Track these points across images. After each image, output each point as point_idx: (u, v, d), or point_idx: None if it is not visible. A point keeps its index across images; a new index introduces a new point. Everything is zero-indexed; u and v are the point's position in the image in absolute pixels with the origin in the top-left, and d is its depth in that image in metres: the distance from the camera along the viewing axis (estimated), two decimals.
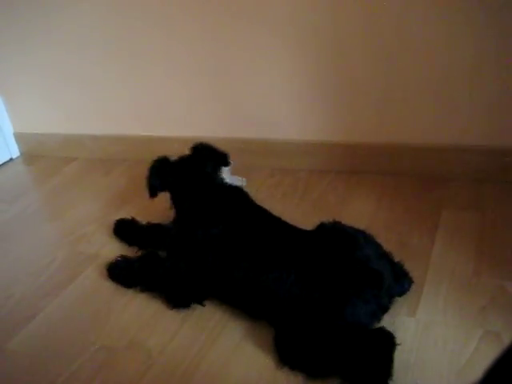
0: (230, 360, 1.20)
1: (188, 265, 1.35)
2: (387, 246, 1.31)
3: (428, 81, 1.64)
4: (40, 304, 1.47)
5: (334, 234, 1.25)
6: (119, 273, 1.50)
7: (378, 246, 1.27)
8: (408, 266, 1.33)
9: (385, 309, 1.20)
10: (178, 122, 2.09)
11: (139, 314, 1.38)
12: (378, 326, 1.17)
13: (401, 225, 1.55)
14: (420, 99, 1.68)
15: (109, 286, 1.48)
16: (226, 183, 1.54)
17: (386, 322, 1.21)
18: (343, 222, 1.31)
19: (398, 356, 1.12)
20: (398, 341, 1.12)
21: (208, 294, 1.36)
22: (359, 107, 1.77)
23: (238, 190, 1.49)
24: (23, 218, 1.95)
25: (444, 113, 1.67)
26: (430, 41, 1.58)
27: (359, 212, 1.64)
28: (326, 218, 1.32)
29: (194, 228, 1.39)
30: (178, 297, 1.36)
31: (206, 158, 1.54)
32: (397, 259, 1.32)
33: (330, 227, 1.28)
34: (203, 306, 1.35)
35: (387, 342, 1.10)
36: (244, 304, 1.30)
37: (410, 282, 1.30)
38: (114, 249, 1.63)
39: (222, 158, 1.56)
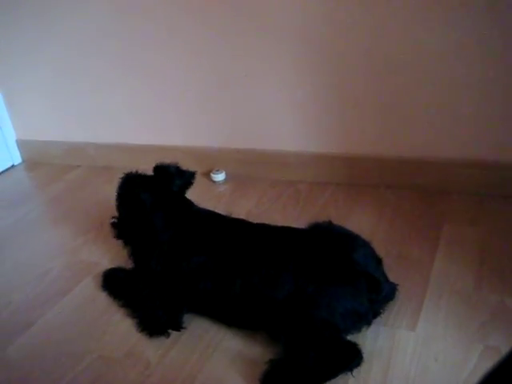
0: (229, 370, 1.19)
1: (170, 293, 1.34)
2: (388, 259, 1.31)
3: (430, 94, 1.65)
4: (38, 311, 1.46)
5: (330, 234, 1.26)
6: (109, 284, 1.50)
7: (374, 251, 1.27)
8: (408, 280, 1.33)
9: (376, 314, 1.23)
10: (180, 131, 2.10)
11: None
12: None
13: (402, 238, 1.55)
14: (422, 113, 1.68)
15: (108, 295, 1.48)
16: (201, 208, 1.49)
17: (386, 335, 1.21)
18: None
19: (398, 370, 1.12)
20: (396, 355, 1.13)
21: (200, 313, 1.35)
22: (361, 120, 1.78)
23: (213, 214, 1.46)
24: (24, 224, 1.95)
25: (446, 126, 1.67)
26: (434, 55, 1.59)
27: (360, 225, 1.63)
28: None
29: (180, 259, 1.34)
30: (153, 325, 1.33)
31: (172, 176, 1.47)
32: (397, 273, 1.32)
33: (325, 227, 1.29)
34: (179, 330, 1.32)
35: (346, 359, 1.11)
36: (242, 319, 1.28)
37: (395, 288, 1.30)
38: (115, 257, 1.62)
39: (188, 176, 1.50)
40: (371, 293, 1.17)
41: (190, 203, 1.48)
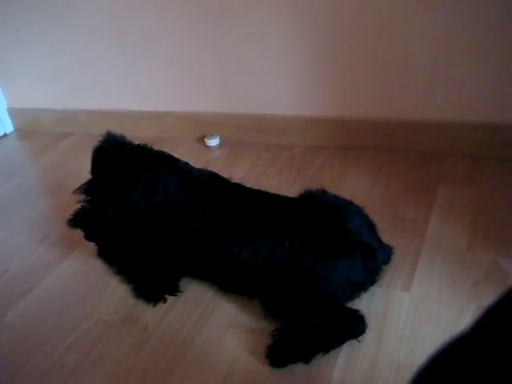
0: (226, 333, 1.20)
1: (170, 258, 1.34)
2: (383, 221, 1.32)
3: (425, 56, 1.63)
4: (36, 278, 1.47)
5: (323, 204, 1.25)
6: (104, 251, 1.49)
7: (367, 217, 1.27)
8: (403, 241, 1.34)
9: (373, 282, 1.24)
10: (173, 97, 2.07)
11: None
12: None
13: (397, 200, 1.55)
14: (417, 75, 1.67)
15: (103, 262, 1.48)
16: (207, 171, 1.44)
17: (381, 296, 1.22)
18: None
19: (393, 330, 1.14)
20: (391, 315, 1.15)
21: (196, 277, 1.36)
22: (356, 83, 1.76)
23: (211, 174, 1.42)
24: (19, 193, 1.95)
25: (442, 88, 1.66)
26: (428, 15, 1.56)
27: (355, 188, 1.63)
28: None
29: (186, 224, 1.31)
30: (150, 292, 1.34)
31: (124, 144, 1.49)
32: (392, 234, 1.32)
33: (318, 196, 1.28)
34: (176, 295, 1.33)
35: (350, 326, 1.12)
36: (238, 287, 1.29)
37: (391, 252, 1.30)
38: None
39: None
40: (367, 261, 1.17)
41: (190, 168, 1.42)
